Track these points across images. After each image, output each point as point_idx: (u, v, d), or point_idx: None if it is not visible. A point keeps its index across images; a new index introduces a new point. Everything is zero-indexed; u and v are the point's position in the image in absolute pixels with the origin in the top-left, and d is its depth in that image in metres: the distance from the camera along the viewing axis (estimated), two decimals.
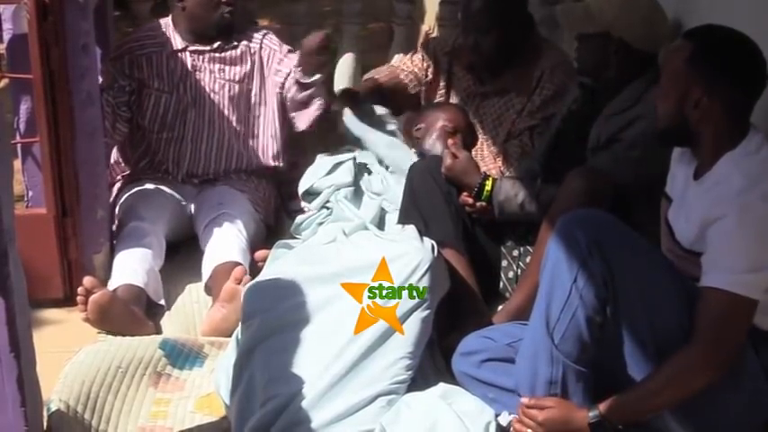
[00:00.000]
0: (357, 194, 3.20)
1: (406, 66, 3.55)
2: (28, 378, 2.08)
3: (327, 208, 3.21)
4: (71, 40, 2.88)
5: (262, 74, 3.51)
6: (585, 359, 2.14)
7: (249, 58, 3.50)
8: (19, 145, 3.08)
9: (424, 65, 3.51)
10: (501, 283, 2.92)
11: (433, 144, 3.29)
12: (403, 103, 3.54)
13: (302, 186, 3.33)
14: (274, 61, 3.51)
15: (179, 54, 3.44)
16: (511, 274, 2.90)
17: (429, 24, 4.97)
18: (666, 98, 2.13)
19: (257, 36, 3.55)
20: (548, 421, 2.15)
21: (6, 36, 2.98)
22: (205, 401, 2.56)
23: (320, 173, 3.30)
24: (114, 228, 3.25)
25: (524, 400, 2.20)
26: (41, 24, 2.80)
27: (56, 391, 2.43)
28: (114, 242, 3.20)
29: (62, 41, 2.85)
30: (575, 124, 2.90)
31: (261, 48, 3.51)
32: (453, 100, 3.46)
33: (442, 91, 3.49)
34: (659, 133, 2.22)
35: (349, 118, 3.40)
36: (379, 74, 3.61)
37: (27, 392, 2.06)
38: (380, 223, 3.03)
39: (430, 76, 3.50)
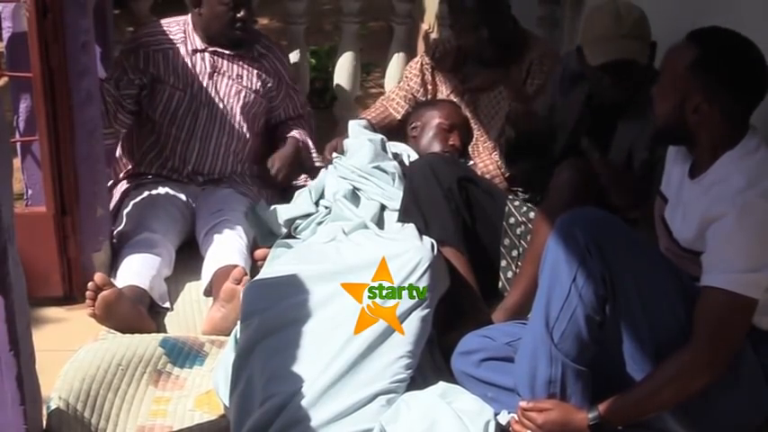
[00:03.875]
0: (355, 194, 3.20)
1: (396, 93, 3.65)
2: (27, 376, 2.08)
3: (327, 207, 3.21)
4: (71, 38, 2.88)
5: (277, 86, 3.58)
6: (585, 358, 2.14)
7: (267, 69, 3.55)
8: (18, 143, 3.07)
9: (412, 83, 3.58)
10: (500, 283, 2.92)
11: (430, 142, 3.30)
12: (391, 135, 3.57)
13: (285, 222, 3.28)
14: (280, 89, 3.59)
15: (198, 53, 3.46)
16: (510, 274, 2.90)
17: (429, 23, 4.97)
18: (665, 99, 2.12)
19: (277, 51, 3.62)
20: (547, 423, 2.14)
21: (6, 34, 2.97)
22: (204, 399, 2.56)
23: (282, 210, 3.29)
24: (118, 233, 3.25)
25: (523, 403, 2.19)
26: (41, 22, 2.80)
27: (55, 389, 2.43)
28: (115, 241, 3.20)
29: (62, 40, 2.85)
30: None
31: (277, 67, 3.57)
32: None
33: (430, 96, 3.56)
34: (656, 132, 2.21)
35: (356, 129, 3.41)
36: (371, 113, 3.67)
37: (26, 391, 2.06)
38: (380, 222, 3.03)
39: (420, 90, 3.57)
